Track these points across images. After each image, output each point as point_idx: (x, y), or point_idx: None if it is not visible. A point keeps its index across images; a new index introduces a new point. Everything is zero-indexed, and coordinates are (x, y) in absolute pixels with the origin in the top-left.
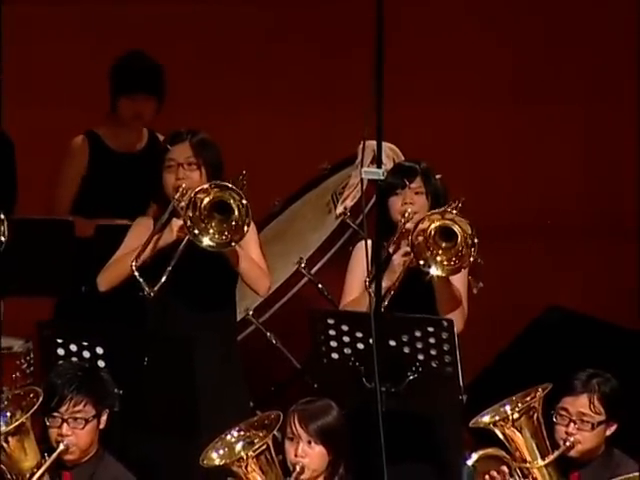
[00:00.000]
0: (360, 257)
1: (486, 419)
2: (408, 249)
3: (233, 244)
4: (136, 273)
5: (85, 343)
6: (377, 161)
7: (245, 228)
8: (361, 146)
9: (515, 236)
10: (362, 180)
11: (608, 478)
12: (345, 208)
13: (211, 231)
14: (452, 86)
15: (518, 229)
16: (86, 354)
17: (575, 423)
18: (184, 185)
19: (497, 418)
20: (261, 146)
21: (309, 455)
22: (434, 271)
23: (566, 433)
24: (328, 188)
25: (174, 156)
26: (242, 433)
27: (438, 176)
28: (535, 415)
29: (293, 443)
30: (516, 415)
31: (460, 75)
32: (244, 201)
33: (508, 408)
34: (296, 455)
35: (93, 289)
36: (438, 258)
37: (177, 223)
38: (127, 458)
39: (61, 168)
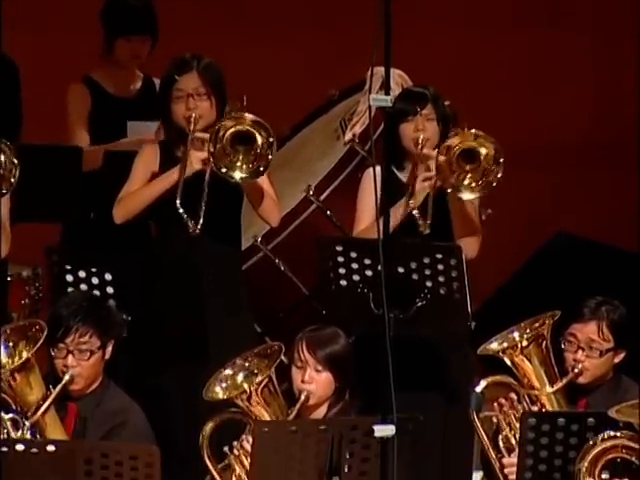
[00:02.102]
0: (369, 184)
1: (494, 346)
2: (429, 174)
3: (262, 169)
4: (181, 210)
5: (94, 269)
6: (385, 88)
7: (270, 156)
8: (369, 72)
9: (522, 163)
10: (370, 107)
11: (616, 404)
12: (353, 135)
13: (238, 164)
14: (459, 12)
15: (524, 156)
16: (95, 280)
17: (583, 350)
18: (194, 115)
19: (505, 345)
20: (268, 73)
21: (316, 381)
22: (466, 196)
23: (574, 360)
24: (336, 115)
25: (182, 86)
26: (243, 364)
27: (447, 102)
28: (544, 343)
29: (300, 370)
30: (525, 343)
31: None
32: (271, 139)
33: (517, 335)
34: (303, 381)
35: (101, 216)
36: (466, 182)
37: (197, 156)
38: (135, 386)
39: (68, 117)
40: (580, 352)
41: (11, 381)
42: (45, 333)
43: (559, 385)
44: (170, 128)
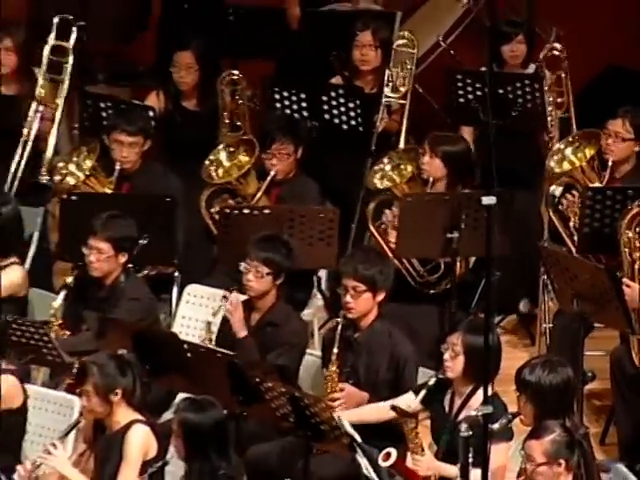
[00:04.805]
0: None
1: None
2: None
3: None
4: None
5: (293, 91)
6: None
7: None
8: None
9: None
10: None
11: None
12: None
13: None
14: None
15: None
16: (294, 98)
17: (612, 138)
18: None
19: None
20: None
21: (431, 165)
22: None
23: (607, 144)
24: None
25: (360, 39)
26: (392, 159)
27: None
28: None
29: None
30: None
31: None
32: None
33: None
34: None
35: (299, 59)
36: None
37: None
38: (324, 174)
39: None
40: (610, 139)
41: (237, 183)
42: (257, 150)
43: (606, 178)
44: (350, 63)
